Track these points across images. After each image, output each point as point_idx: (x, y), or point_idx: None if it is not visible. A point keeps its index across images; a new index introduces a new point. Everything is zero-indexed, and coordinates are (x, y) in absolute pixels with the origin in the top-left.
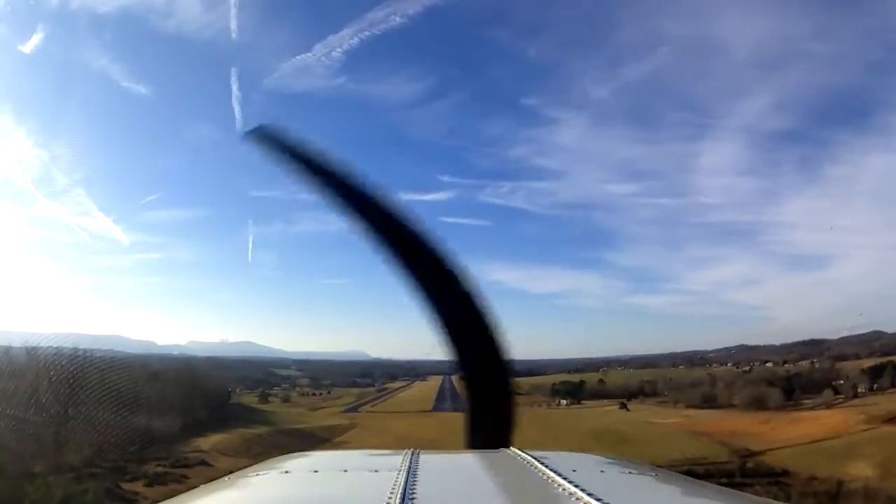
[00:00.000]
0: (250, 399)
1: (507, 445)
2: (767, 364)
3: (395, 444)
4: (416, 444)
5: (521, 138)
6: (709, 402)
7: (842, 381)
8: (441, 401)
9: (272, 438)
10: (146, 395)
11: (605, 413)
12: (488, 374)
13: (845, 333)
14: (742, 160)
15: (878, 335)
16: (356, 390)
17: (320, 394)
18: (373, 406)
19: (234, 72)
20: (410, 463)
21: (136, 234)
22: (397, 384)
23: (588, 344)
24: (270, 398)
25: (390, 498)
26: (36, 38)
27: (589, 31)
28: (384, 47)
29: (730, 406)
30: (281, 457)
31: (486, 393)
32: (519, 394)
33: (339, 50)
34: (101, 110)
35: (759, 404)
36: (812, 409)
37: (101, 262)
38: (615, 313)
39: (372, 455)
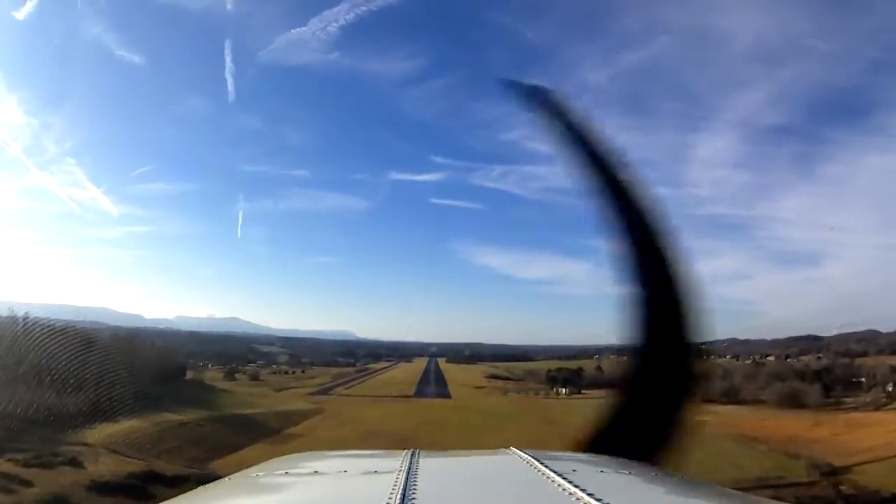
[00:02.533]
0: (213, 376)
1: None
2: (769, 358)
3: (360, 442)
4: (387, 440)
5: (514, 121)
6: (730, 397)
7: (863, 379)
8: (424, 384)
9: (197, 430)
10: (76, 368)
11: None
12: (671, 381)
13: (835, 332)
14: (737, 153)
15: (873, 334)
16: (335, 370)
17: (294, 372)
18: (347, 388)
19: (228, 44)
20: (410, 464)
21: (126, 206)
22: (380, 365)
23: (576, 331)
24: (238, 376)
25: (390, 499)
26: (30, 5)
27: (589, 16)
28: (380, 24)
29: (756, 402)
30: (281, 458)
31: (662, 395)
32: (513, 379)
33: (334, 25)
34: (94, 79)
35: (793, 401)
36: (858, 409)
37: (90, 233)
38: (604, 302)
39: (372, 456)
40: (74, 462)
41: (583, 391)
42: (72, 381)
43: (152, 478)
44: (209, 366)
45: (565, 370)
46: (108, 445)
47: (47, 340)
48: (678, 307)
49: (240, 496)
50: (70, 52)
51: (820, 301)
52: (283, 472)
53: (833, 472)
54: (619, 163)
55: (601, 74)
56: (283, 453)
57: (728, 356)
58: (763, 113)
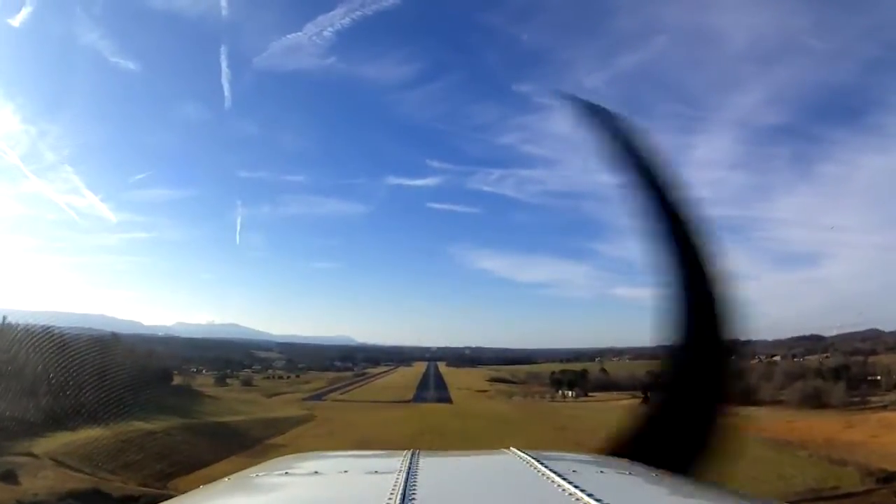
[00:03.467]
0: (204, 382)
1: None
2: (775, 357)
3: (358, 447)
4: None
5: (511, 125)
6: (747, 397)
7: (879, 377)
8: (423, 389)
9: (166, 440)
10: (41, 371)
11: (626, 409)
12: (710, 382)
13: (835, 332)
14: (735, 154)
15: (875, 333)
16: (331, 374)
17: (288, 377)
18: (343, 393)
19: (223, 50)
20: (410, 464)
21: (124, 213)
22: (379, 369)
23: (575, 334)
24: (229, 381)
25: (390, 499)
26: (25, 12)
27: (584, 18)
28: (375, 28)
29: (775, 402)
30: (281, 458)
31: (701, 397)
32: (515, 382)
33: (329, 30)
34: (90, 86)
35: (815, 401)
36: (887, 407)
37: (89, 240)
38: (602, 304)
39: (372, 456)
40: (8, 476)
41: (589, 394)
42: (33, 385)
43: (94, 498)
44: (203, 371)
45: (570, 372)
46: (57, 457)
47: (12, 342)
48: (716, 307)
49: (240, 496)
50: (66, 58)
51: (819, 301)
52: (283, 472)
53: (889, 479)
54: (674, 184)
55: (597, 77)
56: None
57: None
58: (760, 113)
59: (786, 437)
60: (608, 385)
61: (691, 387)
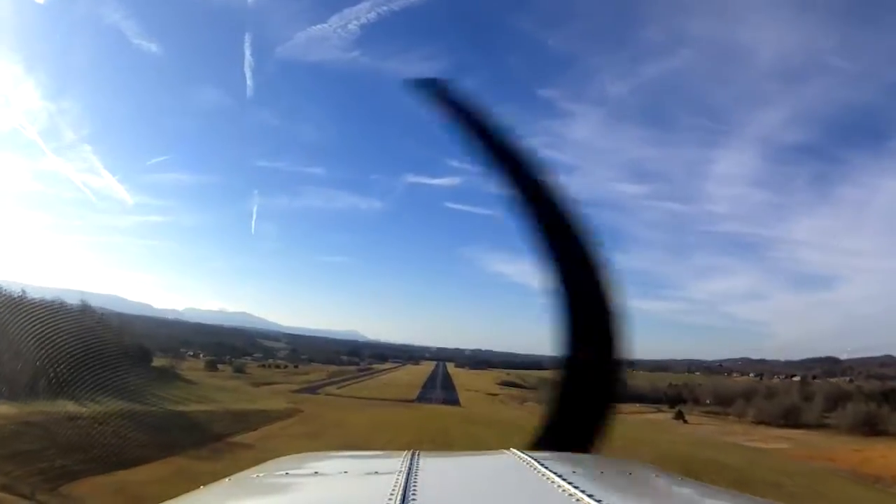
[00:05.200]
0: (192, 366)
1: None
2: (794, 378)
3: None
4: None
5: (533, 129)
6: (789, 420)
7: None
8: (429, 389)
9: (91, 429)
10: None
11: (655, 425)
12: (594, 370)
13: (845, 356)
14: (755, 171)
15: (891, 359)
16: (333, 367)
17: (286, 367)
18: (340, 387)
19: (247, 37)
20: (410, 464)
21: (141, 195)
22: (385, 366)
23: None
24: (221, 367)
25: (390, 499)
26: None
27: (612, 26)
28: (401, 24)
29: (822, 426)
30: (281, 458)
31: (585, 388)
32: (527, 387)
33: (355, 23)
34: (112, 66)
35: (869, 427)
36: None
37: (104, 221)
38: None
39: (372, 457)
40: None
41: None
42: None
43: None
44: (201, 355)
45: None
46: None
47: None
48: (601, 314)
49: (240, 496)
50: (88, 38)
51: (831, 324)
52: (284, 472)
53: None
54: (526, 156)
55: (622, 85)
56: (209, 473)
57: (751, 374)
58: (783, 131)
59: (865, 471)
60: (627, 396)
61: (576, 395)
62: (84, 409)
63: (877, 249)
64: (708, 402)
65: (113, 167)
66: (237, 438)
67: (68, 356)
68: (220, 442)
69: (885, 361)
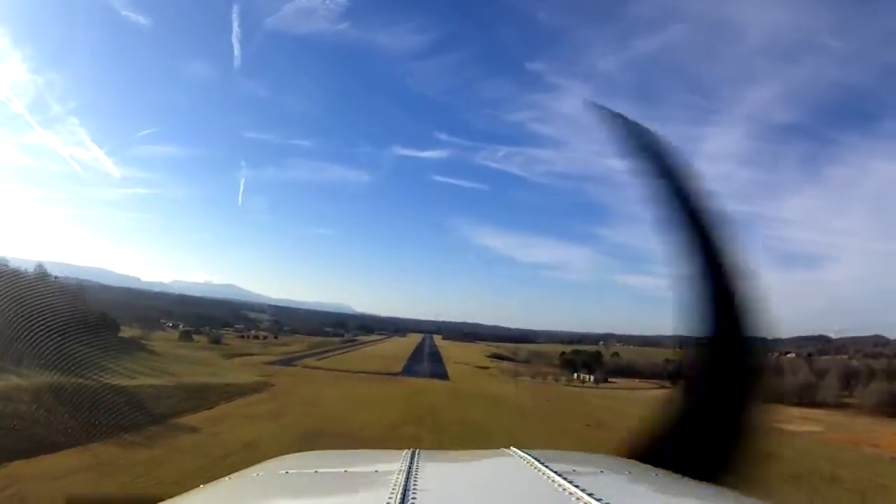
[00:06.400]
0: (166, 336)
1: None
2: (788, 355)
3: (299, 443)
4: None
5: (522, 103)
6: (803, 398)
7: None
8: (416, 360)
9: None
10: None
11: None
12: (737, 378)
13: (832, 335)
14: (745, 150)
15: (881, 339)
16: (316, 339)
17: (265, 338)
18: (320, 359)
19: (235, 9)
20: (410, 464)
21: (128, 168)
22: (371, 337)
23: (573, 317)
24: (197, 338)
25: (390, 498)
26: None
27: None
28: None
29: (841, 406)
30: (281, 457)
31: (728, 395)
32: (517, 361)
33: None
34: (100, 38)
35: (893, 407)
36: None
37: (91, 194)
38: (603, 290)
39: (372, 455)
40: None
41: (609, 379)
42: None
43: None
44: (180, 326)
45: (583, 354)
46: None
47: None
48: (739, 301)
49: (240, 496)
50: (76, 10)
51: (819, 303)
52: (284, 471)
53: None
54: (698, 192)
55: (611, 60)
56: (130, 464)
57: None
58: (773, 110)
59: None
60: (627, 371)
61: (723, 383)
62: (5, 384)
63: (864, 230)
64: None
65: (100, 140)
66: (183, 419)
67: (6, 325)
68: (161, 424)
69: (878, 341)
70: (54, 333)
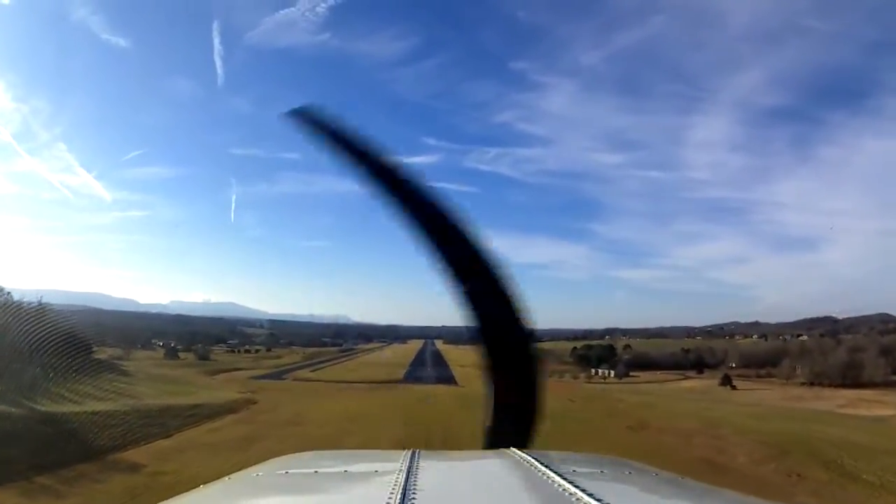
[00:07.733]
0: (149, 356)
1: (528, 442)
2: (801, 337)
3: None
4: None
5: (508, 103)
6: (847, 378)
7: None
8: (419, 366)
9: None
10: None
11: (702, 394)
12: (513, 361)
13: (842, 316)
14: (734, 136)
15: (885, 317)
16: (311, 350)
17: (258, 351)
18: (315, 370)
19: (216, 26)
20: (410, 464)
21: (119, 191)
22: (370, 346)
23: (573, 314)
24: (183, 355)
25: (390, 499)
26: None
27: None
28: (369, 4)
29: (890, 384)
30: (281, 457)
31: (508, 382)
32: None
33: (323, 5)
34: (82, 63)
35: None
36: None
37: (84, 219)
38: (600, 285)
39: (372, 455)
40: None
41: (630, 373)
42: None
43: None
44: (171, 345)
45: (597, 348)
46: None
47: None
48: (501, 296)
49: (239, 496)
50: (57, 36)
51: (817, 285)
52: (284, 471)
53: None
54: (391, 162)
55: (594, 54)
56: None
57: (755, 336)
58: (760, 94)
59: None
60: (645, 363)
61: (506, 375)
62: None
63: (858, 209)
64: (732, 365)
65: (89, 164)
66: (126, 454)
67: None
68: (94, 461)
69: (885, 319)
70: (35, 359)
